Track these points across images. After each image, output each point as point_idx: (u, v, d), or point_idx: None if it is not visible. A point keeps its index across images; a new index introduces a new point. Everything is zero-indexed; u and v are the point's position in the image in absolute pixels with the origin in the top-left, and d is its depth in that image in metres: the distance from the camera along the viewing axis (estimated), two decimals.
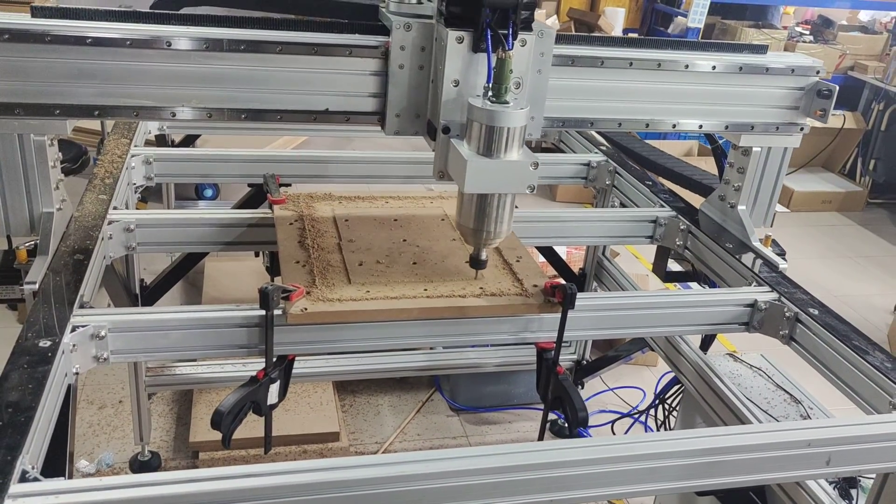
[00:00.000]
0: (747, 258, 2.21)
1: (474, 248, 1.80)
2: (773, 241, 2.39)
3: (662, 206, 2.53)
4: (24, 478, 1.19)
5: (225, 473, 1.23)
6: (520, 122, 1.56)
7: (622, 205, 2.82)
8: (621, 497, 1.46)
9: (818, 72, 2.15)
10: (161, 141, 3.57)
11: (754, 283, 2.08)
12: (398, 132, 1.80)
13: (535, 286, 1.86)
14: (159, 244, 2.14)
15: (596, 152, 2.97)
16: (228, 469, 1.24)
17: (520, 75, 1.68)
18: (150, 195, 4.85)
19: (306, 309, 1.68)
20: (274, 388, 1.75)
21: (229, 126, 3.09)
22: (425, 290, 1.81)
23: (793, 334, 1.95)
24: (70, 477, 1.55)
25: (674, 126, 2.13)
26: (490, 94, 1.58)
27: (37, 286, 1.67)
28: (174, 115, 1.74)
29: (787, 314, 1.95)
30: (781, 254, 2.30)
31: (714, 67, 2.07)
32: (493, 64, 1.56)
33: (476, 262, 1.82)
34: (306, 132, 3.16)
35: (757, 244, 2.29)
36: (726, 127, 2.17)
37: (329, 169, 2.70)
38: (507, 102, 1.57)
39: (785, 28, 7.20)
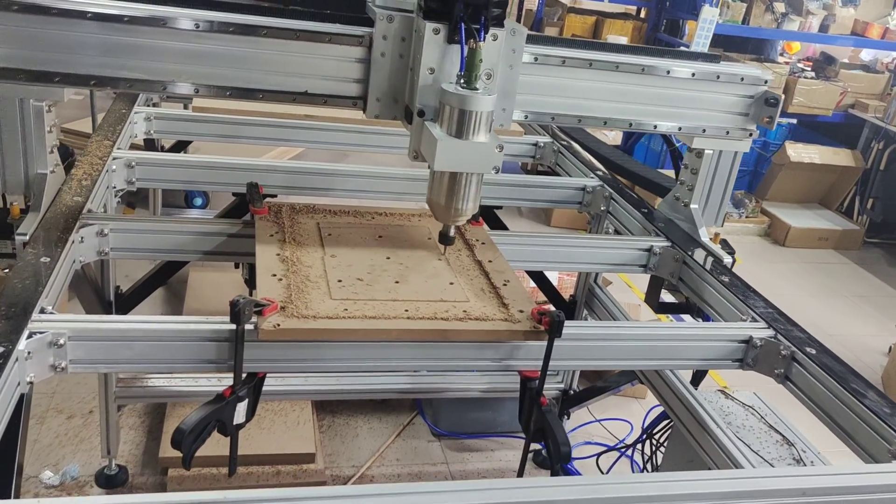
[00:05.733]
0: (699, 255, 2.31)
1: (443, 223, 1.88)
2: (723, 240, 2.46)
3: (657, 235, 2.46)
4: None
5: (187, 500, 1.13)
6: (487, 107, 1.67)
7: (616, 231, 2.75)
8: None
9: (766, 81, 2.29)
10: (150, 146, 3.51)
11: (749, 319, 2.01)
12: (378, 115, 1.89)
13: (522, 312, 1.78)
14: (134, 250, 2.06)
15: (592, 177, 2.90)
16: (191, 495, 1.14)
17: (490, 67, 1.76)
18: (138, 201, 4.78)
19: (279, 325, 1.60)
20: (242, 407, 1.65)
21: (222, 135, 3.01)
22: (406, 310, 1.73)
23: (788, 374, 1.87)
24: (17, 496, 1.45)
25: (630, 125, 2.23)
26: (462, 81, 1.69)
27: (27, 237, 1.81)
28: (165, 88, 1.83)
29: (783, 352, 1.87)
30: (732, 253, 2.37)
31: (668, 72, 2.17)
32: (465, 53, 1.68)
33: (444, 238, 1.93)
34: (297, 141, 3.08)
35: (705, 240, 2.39)
36: (679, 129, 2.27)
37: (318, 181, 2.63)
38: (477, 89, 1.68)
39: (787, 63, 7.20)
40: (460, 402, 3.33)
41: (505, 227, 3.05)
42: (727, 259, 2.27)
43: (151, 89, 1.85)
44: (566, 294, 3.14)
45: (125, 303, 2.64)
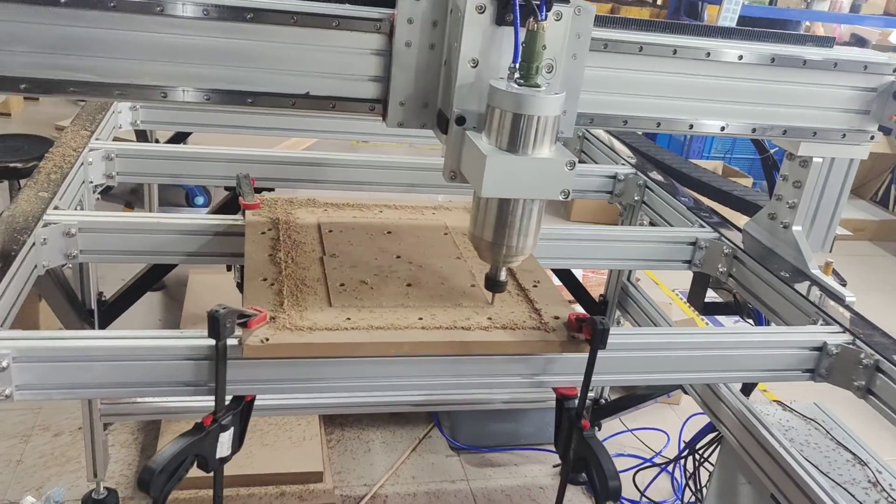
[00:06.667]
0: (803, 288, 1.86)
1: (491, 266, 1.47)
2: (834, 270, 2.04)
3: (703, 227, 2.17)
4: None
5: None
6: (553, 110, 1.28)
7: (652, 224, 2.47)
8: None
9: (895, 69, 1.83)
10: (142, 139, 3.25)
11: (821, 322, 1.72)
12: (402, 123, 1.49)
13: (557, 318, 1.51)
14: (107, 252, 1.80)
15: (623, 164, 2.62)
16: None
17: (553, 56, 1.37)
18: (136, 200, 4.54)
19: (267, 339, 1.33)
20: (226, 438, 1.39)
21: (223, 125, 2.75)
22: (421, 318, 1.46)
23: (871, 386, 1.59)
24: None
25: (722, 129, 1.81)
26: (517, 75, 1.30)
27: None
28: (121, 93, 1.44)
29: (864, 361, 1.59)
30: (843, 285, 1.95)
31: (773, 60, 1.74)
32: (522, 38, 1.29)
33: (493, 284, 1.49)
34: (310, 131, 2.82)
35: (816, 272, 1.93)
36: (784, 132, 1.84)
37: (320, 173, 2.36)
38: (539, 86, 1.29)
39: None
40: (480, 413, 3.06)
41: None
42: (850, 298, 1.81)
43: (105, 94, 1.41)
44: (594, 293, 2.86)
45: (109, 312, 2.38)
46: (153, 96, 1.46)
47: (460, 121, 1.37)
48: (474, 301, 1.55)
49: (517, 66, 1.30)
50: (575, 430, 1.48)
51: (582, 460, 1.46)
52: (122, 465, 2.83)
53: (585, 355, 1.45)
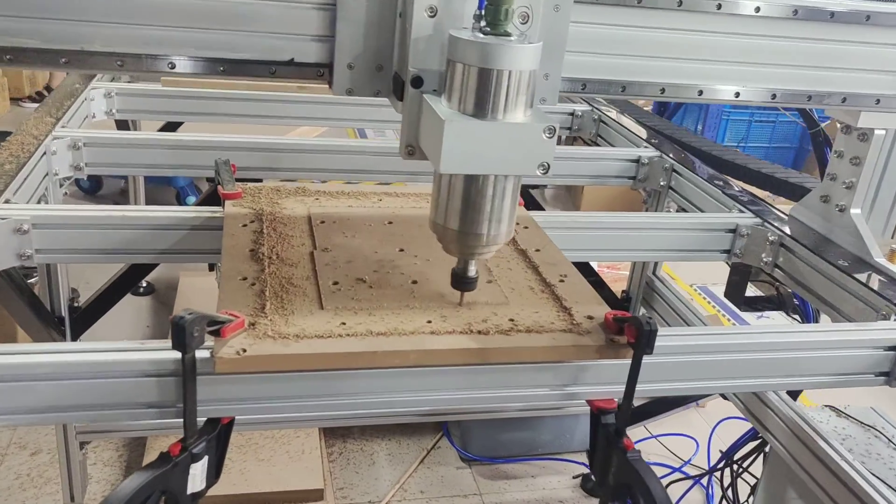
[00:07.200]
0: (866, 279, 1.63)
1: (459, 259, 1.25)
2: None
3: (742, 212, 1.94)
4: None
5: None
6: (528, 63, 1.06)
7: (681, 211, 2.23)
8: None
9: None
10: (123, 127, 3.02)
11: (893, 317, 1.49)
12: (351, 90, 1.27)
13: (591, 318, 1.27)
14: (67, 252, 1.56)
15: (646, 146, 2.39)
16: None
17: (528, 4, 1.13)
18: (126, 201, 4.31)
19: (245, 350, 1.10)
20: (198, 469, 1.15)
21: (210, 113, 2.51)
22: (429, 322, 1.22)
23: None
24: None
25: (773, 97, 1.57)
26: (483, 22, 1.07)
27: None
28: (68, 63, 1.22)
29: None
30: None
31: (832, 15, 1.51)
32: None
33: (462, 281, 1.26)
34: (318, 119, 2.56)
35: (881, 260, 1.70)
36: (843, 100, 1.60)
37: (315, 161, 2.14)
38: (509, 35, 1.07)
39: None
40: (493, 421, 2.82)
41: (541, 208, 2.54)
42: None
43: (49, 63, 1.21)
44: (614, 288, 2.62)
45: (83, 318, 2.15)
46: (106, 65, 1.24)
47: (416, 82, 1.14)
48: (492, 300, 1.31)
49: (483, 12, 1.07)
50: (615, 450, 1.24)
51: (624, 487, 1.23)
52: (104, 485, 2.60)
53: (626, 362, 1.21)
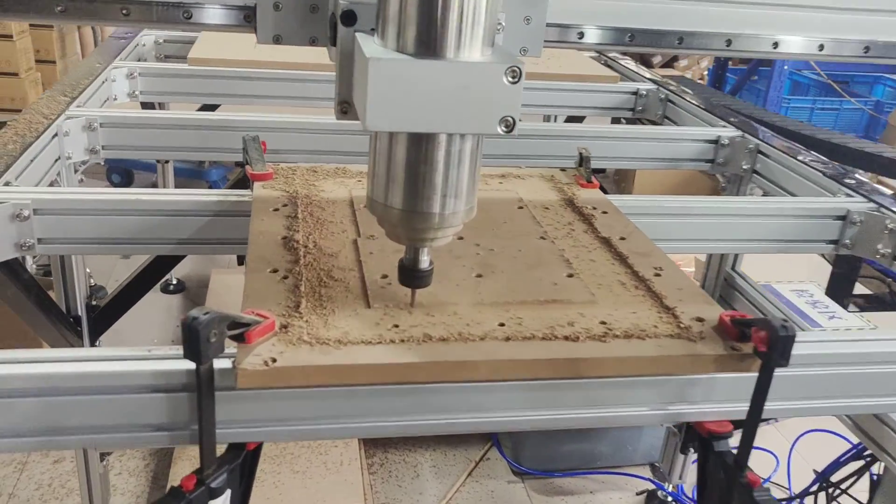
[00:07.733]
0: None
1: (407, 247, 0.98)
2: None
3: (851, 196, 1.66)
4: None
5: None
6: None
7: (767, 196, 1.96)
8: None
9: None
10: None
11: None
12: (279, 37, 1.08)
13: (700, 321, 1.02)
14: (73, 241, 1.36)
15: (725, 125, 2.12)
16: None
17: None
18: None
19: (275, 360, 0.87)
20: None
21: (245, 95, 2.30)
22: (502, 325, 0.98)
23: None
24: None
25: (866, 49, 1.34)
26: None
27: None
28: (64, 12, 1.04)
29: None
30: None
31: None
32: None
33: (412, 276, 0.99)
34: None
35: None
36: None
37: (356, 143, 1.91)
38: None
39: None
40: (548, 430, 2.58)
41: (604, 191, 2.28)
42: None
43: (42, 12, 1.04)
44: None
45: (101, 318, 1.95)
46: (108, 14, 1.05)
47: (348, 18, 0.90)
48: (575, 297, 1.07)
49: None
50: (736, 486, 0.99)
51: None
52: (129, 497, 2.41)
53: (751, 376, 0.96)
